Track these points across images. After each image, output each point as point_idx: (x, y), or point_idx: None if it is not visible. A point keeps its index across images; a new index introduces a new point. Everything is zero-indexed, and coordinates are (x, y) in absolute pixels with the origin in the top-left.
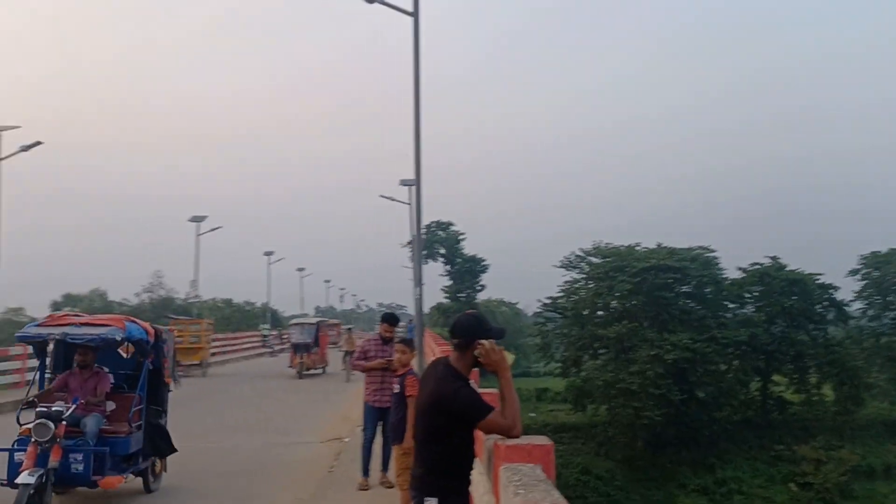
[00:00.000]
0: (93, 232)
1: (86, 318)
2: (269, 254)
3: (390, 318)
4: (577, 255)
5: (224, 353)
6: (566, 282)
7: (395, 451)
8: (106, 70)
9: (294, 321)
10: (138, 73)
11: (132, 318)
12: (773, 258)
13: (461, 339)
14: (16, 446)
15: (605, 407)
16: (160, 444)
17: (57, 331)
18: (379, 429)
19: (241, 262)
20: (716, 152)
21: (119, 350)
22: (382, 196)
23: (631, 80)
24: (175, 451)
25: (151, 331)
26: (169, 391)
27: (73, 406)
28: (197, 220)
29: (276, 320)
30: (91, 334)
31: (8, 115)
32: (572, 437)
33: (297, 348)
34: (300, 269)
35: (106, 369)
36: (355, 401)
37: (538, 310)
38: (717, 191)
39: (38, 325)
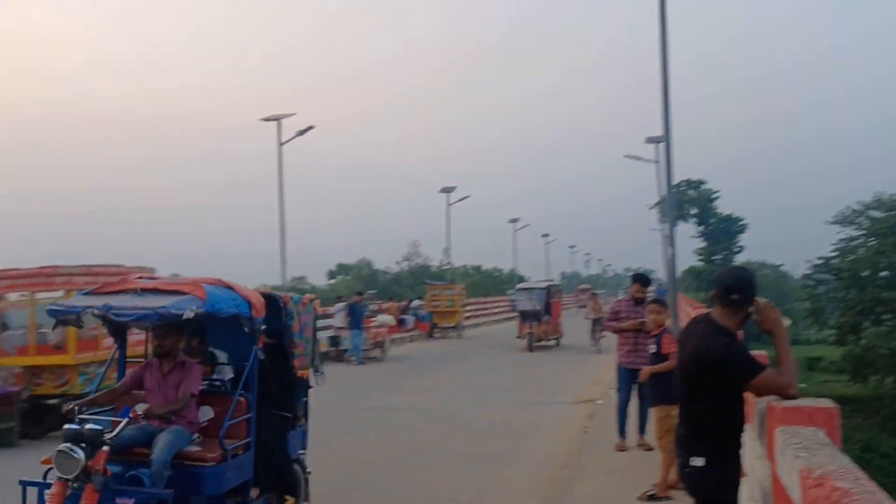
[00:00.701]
0: (362, 205)
1: (157, 283)
2: (513, 221)
3: (642, 279)
4: (855, 210)
5: (476, 316)
6: (840, 240)
7: (654, 413)
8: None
9: (520, 285)
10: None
11: (227, 283)
12: None
13: (740, 296)
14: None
15: (893, 378)
16: (280, 472)
17: (98, 302)
18: (634, 391)
19: (488, 231)
20: None
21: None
22: (627, 156)
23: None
24: (306, 481)
25: (260, 302)
26: (308, 389)
27: (124, 421)
28: (447, 190)
29: None
30: (146, 308)
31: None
32: (851, 410)
33: (524, 316)
34: (544, 236)
35: (195, 360)
36: (607, 364)
37: (807, 272)
38: None
39: (87, 294)
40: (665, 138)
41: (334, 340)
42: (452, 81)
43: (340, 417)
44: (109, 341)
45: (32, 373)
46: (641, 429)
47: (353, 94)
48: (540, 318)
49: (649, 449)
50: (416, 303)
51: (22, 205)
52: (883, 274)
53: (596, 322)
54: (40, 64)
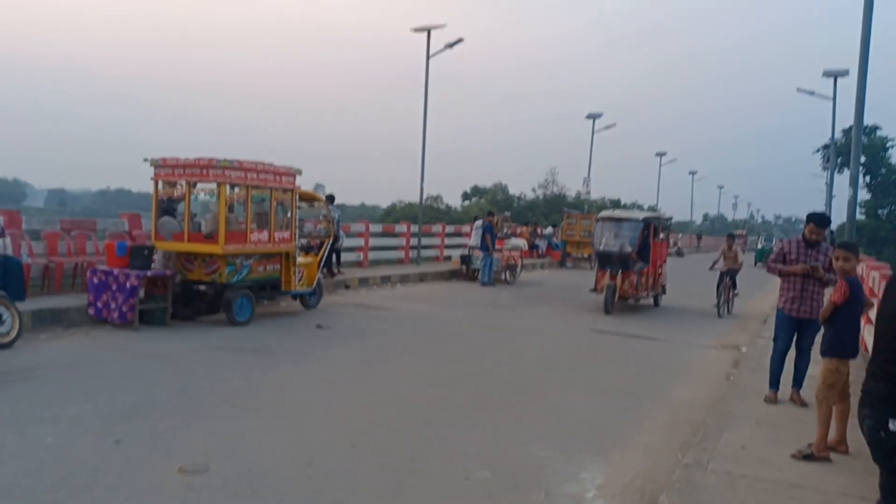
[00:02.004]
0: (500, 129)
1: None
2: (660, 154)
3: (819, 219)
4: None
5: None
6: None
7: (824, 364)
8: None
9: (603, 213)
10: None
11: None
12: None
13: None
14: None
15: None
16: None
17: None
18: (793, 344)
19: (633, 163)
20: None
21: None
22: (801, 90)
23: None
24: None
25: None
26: None
27: None
28: (593, 116)
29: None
30: None
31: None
32: None
33: (603, 261)
34: (692, 173)
35: None
36: (752, 310)
37: None
38: None
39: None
40: (863, 60)
41: (465, 259)
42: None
43: (474, 335)
44: (257, 236)
45: (185, 259)
46: (798, 383)
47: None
48: (629, 266)
49: (804, 404)
50: (549, 230)
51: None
52: None
53: (726, 276)
54: None
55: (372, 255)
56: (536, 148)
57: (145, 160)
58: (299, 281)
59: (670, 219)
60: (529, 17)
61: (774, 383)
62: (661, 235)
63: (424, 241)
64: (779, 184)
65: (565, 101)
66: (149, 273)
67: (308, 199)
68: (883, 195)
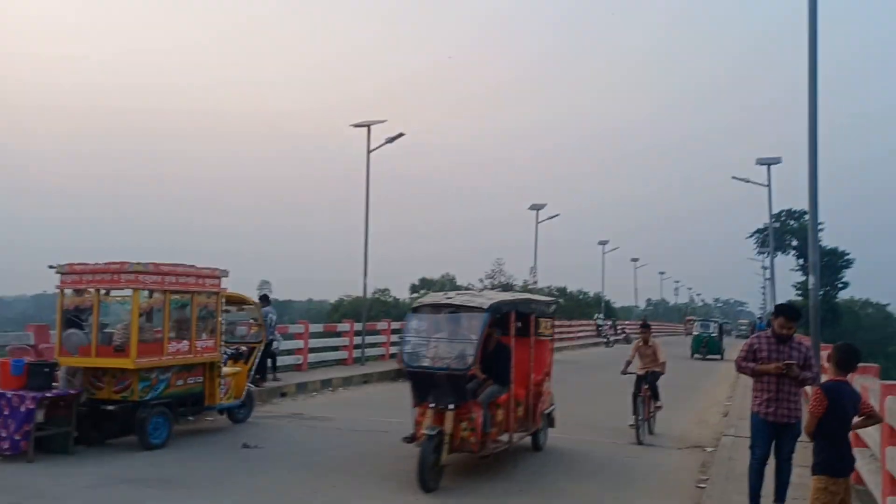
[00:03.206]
0: (446, 222)
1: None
2: (603, 243)
3: (790, 312)
4: None
5: (560, 340)
6: None
7: (813, 483)
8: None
9: (424, 300)
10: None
11: None
12: None
13: None
14: None
15: None
16: None
17: None
18: (773, 450)
19: (575, 252)
20: None
21: None
22: (736, 178)
23: None
24: None
25: None
26: None
27: None
28: (536, 207)
29: (609, 311)
30: None
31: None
32: None
33: (419, 389)
34: (634, 260)
35: None
36: (708, 402)
37: None
38: None
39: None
40: (812, 161)
41: None
42: (545, 105)
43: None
44: (175, 346)
45: (93, 375)
46: (780, 497)
47: (440, 111)
48: (464, 394)
49: None
50: None
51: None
52: None
53: (644, 381)
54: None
55: (312, 357)
56: (483, 239)
57: (50, 267)
58: (225, 393)
59: (554, 303)
60: (473, 113)
61: (755, 499)
62: (543, 329)
63: (369, 338)
64: (717, 267)
65: (511, 193)
66: (49, 394)
67: (237, 301)
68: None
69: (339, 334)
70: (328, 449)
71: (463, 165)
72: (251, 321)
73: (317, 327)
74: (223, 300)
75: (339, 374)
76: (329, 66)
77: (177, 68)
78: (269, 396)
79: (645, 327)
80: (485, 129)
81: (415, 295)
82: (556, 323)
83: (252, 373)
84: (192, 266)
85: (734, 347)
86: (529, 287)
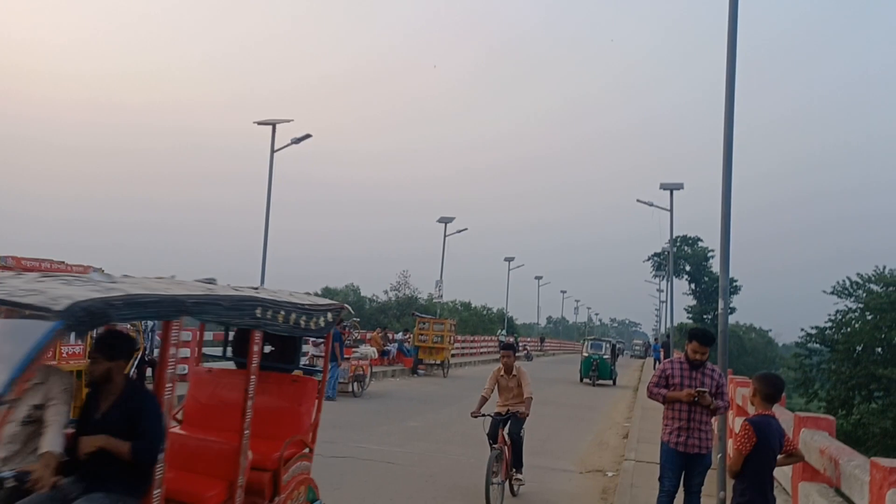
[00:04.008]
0: (351, 231)
1: None
2: (509, 259)
3: (702, 337)
4: (854, 282)
5: (461, 355)
6: (837, 311)
7: None
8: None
9: None
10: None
11: None
12: None
13: None
14: None
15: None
16: None
17: None
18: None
19: (481, 267)
20: None
21: None
22: (640, 201)
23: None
24: None
25: None
26: None
27: None
28: (445, 220)
29: (512, 327)
30: None
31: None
32: None
33: None
34: (538, 278)
35: None
36: (605, 423)
37: (799, 340)
38: None
39: None
40: (726, 183)
41: (307, 370)
42: (453, 117)
43: None
44: None
45: None
46: None
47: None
48: None
49: None
50: (399, 335)
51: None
52: (879, 350)
53: (501, 425)
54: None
55: None
56: (389, 250)
57: None
58: None
59: (339, 310)
60: (391, 124)
61: None
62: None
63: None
64: (615, 289)
65: (419, 204)
66: None
67: None
68: (707, 301)
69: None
70: None
71: (376, 175)
72: (129, 325)
73: (206, 336)
74: None
75: None
76: (234, 60)
77: (69, 57)
78: None
79: (508, 348)
80: (401, 140)
81: None
82: (459, 339)
83: None
84: (62, 262)
85: (628, 367)
86: (434, 301)
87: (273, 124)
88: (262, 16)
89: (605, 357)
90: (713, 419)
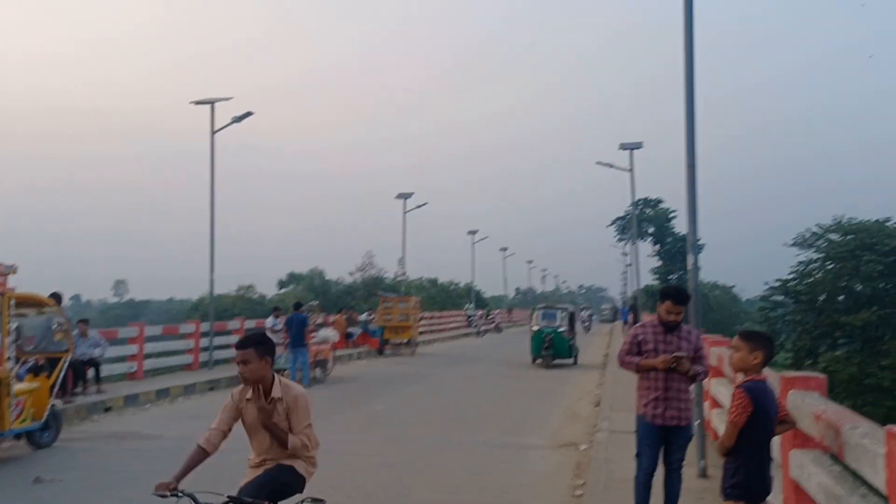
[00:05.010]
0: (314, 215)
1: None
2: (472, 233)
3: (676, 295)
4: (814, 232)
5: (430, 332)
6: (800, 262)
7: None
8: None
9: None
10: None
11: None
12: None
13: None
14: None
15: (849, 404)
16: None
17: None
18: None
19: (446, 243)
20: None
21: None
22: (600, 163)
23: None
24: None
25: None
26: None
27: None
28: (403, 196)
29: (480, 301)
30: None
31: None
32: None
33: None
34: (503, 249)
35: None
36: (578, 393)
37: (764, 293)
38: None
39: None
40: (690, 135)
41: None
42: (411, 90)
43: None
44: None
45: None
46: None
47: (310, 98)
48: None
49: None
50: (364, 316)
51: None
52: (841, 298)
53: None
54: None
55: (149, 363)
56: (353, 231)
57: None
58: (19, 415)
59: None
60: (335, 96)
61: None
62: None
63: (220, 339)
64: (581, 256)
65: (379, 182)
66: None
67: (30, 303)
68: (671, 261)
69: (182, 336)
70: (147, 476)
71: (327, 150)
72: (55, 326)
73: (154, 330)
74: (12, 302)
75: (181, 381)
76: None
77: None
78: (88, 413)
79: (245, 346)
80: (348, 110)
81: (282, 291)
82: (426, 316)
83: (55, 388)
84: None
85: (596, 336)
86: (398, 279)
87: (211, 103)
88: None
89: (560, 330)
90: (692, 387)
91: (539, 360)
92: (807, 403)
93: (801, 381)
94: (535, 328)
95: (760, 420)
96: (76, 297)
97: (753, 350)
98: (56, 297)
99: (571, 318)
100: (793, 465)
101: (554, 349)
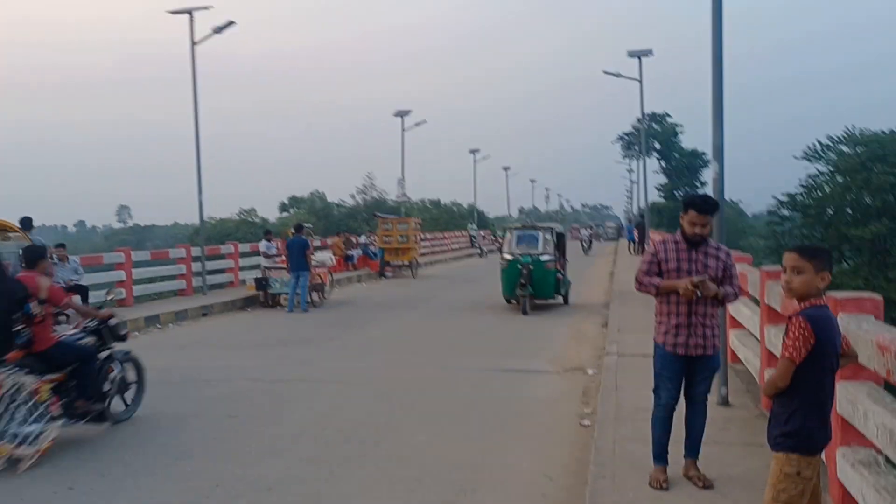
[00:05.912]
0: (314, 136)
1: None
2: (474, 152)
3: (702, 204)
4: (824, 144)
5: (433, 253)
6: (808, 176)
7: (777, 464)
8: None
9: None
10: None
11: None
12: None
13: None
14: None
15: None
16: None
17: None
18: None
19: (448, 163)
20: None
21: None
22: (607, 72)
23: None
24: None
25: None
26: None
27: None
28: (401, 114)
29: (482, 221)
30: None
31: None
32: None
33: None
34: (506, 169)
35: None
36: (585, 312)
37: (771, 209)
38: None
39: None
40: (716, 54)
41: (260, 283)
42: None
43: (245, 394)
44: None
45: None
46: (693, 451)
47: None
48: None
49: (707, 485)
50: (364, 238)
51: None
52: (849, 211)
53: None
54: None
55: (139, 289)
56: (354, 153)
57: None
58: None
59: None
60: (333, 16)
61: (661, 456)
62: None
63: (213, 264)
64: (585, 173)
65: (379, 103)
66: None
67: None
68: (678, 177)
69: (172, 262)
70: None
71: (324, 71)
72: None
73: (143, 255)
74: None
75: (171, 307)
76: None
77: None
78: None
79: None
80: (347, 32)
81: (284, 214)
82: (428, 237)
83: None
84: None
85: (601, 258)
86: (399, 201)
87: (189, 12)
88: None
89: (543, 259)
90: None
91: (513, 301)
92: (864, 330)
93: (852, 304)
94: (508, 257)
95: (824, 354)
96: (81, 223)
97: (821, 270)
98: (25, 222)
99: (559, 242)
100: (843, 399)
101: (535, 286)
